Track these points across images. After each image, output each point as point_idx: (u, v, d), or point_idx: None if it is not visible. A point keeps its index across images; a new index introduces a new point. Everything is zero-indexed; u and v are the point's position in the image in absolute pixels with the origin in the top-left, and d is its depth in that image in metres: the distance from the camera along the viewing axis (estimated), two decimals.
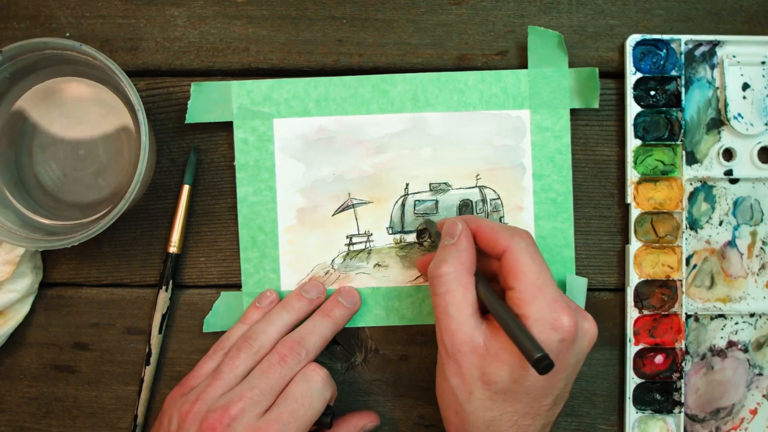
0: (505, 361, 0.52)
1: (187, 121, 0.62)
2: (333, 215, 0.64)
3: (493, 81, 0.63)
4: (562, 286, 0.63)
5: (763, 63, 0.63)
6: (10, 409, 0.65)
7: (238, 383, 0.56)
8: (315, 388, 0.56)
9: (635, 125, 0.63)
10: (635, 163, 0.63)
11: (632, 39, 0.62)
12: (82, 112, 0.61)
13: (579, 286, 0.63)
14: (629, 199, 0.63)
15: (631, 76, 0.63)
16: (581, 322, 0.53)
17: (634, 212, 0.63)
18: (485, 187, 0.64)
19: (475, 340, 0.53)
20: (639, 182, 0.63)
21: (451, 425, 0.56)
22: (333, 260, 0.64)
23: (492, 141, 0.63)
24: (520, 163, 0.64)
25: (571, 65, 0.63)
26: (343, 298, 0.62)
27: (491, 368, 0.52)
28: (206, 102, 0.63)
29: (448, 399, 0.55)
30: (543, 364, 0.48)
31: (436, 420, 0.65)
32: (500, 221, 0.64)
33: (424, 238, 0.64)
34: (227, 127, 0.63)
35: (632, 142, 0.63)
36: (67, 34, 0.64)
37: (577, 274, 0.64)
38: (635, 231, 0.63)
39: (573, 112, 0.63)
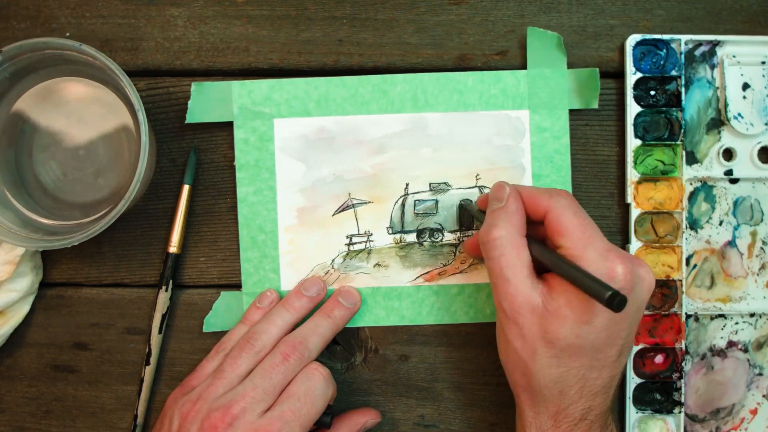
0: (565, 317, 0.52)
1: (187, 121, 0.62)
2: (333, 215, 0.64)
3: (492, 82, 0.63)
4: None
5: (763, 63, 0.63)
6: (10, 409, 0.65)
7: (240, 383, 0.56)
8: (317, 386, 0.56)
9: (635, 125, 0.63)
10: (635, 162, 0.63)
11: (632, 39, 0.63)
12: (82, 112, 0.61)
13: None
14: (629, 199, 0.63)
15: (631, 76, 0.63)
16: (636, 269, 0.52)
17: (634, 212, 0.63)
18: (485, 186, 0.64)
19: (534, 300, 0.53)
20: (639, 182, 0.63)
21: (518, 386, 0.56)
22: (333, 260, 0.64)
23: (491, 141, 0.64)
24: (519, 163, 0.64)
25: (571, 65, 0.64)
26: (343, 298, 0.62)
27: (553, 326, 0.52)
28: (207, 102, 0.63)
29: (513, 361, 0.55)
30: (616, 300, 0.47)
31: (436, 420, 0.65)
32: None
33: (424, 238, 0.64)
34: (227, 127, 0.63)
35: (632, 142, 0.63)
36: (67, 34, 0.64)
37: None
38: (635, 231, 0.63)
39: (573, 112, 0.64)
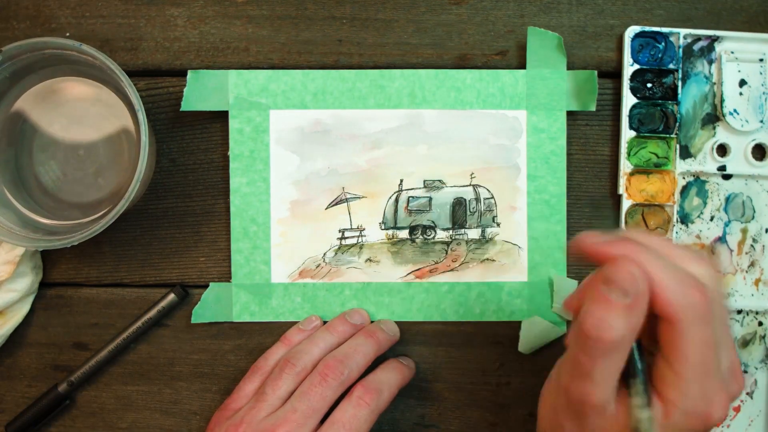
0: None
1: (182, 109, 0.62)
2: (326, 209, 0.64)
3: (490, 80, 0.63)
4: (549, 286, 0.64)
5: (761, 60, 0.63)
6: (9, 409, 0.65)
7: (282, 405, 0.56)
8: (362, 414, 0.56)
9: (630, 117, 0.63)
10: (629, 154, 0.63)
11: (631, 30, 0.63)
12: (82, 112, 0.61)
13: (568, 287, 0.64)
14: (621, 190, 0.63)
15: (628, 67, 0.63)
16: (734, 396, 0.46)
17: (626, 203, 0.63)
18: (479, 186, 0.64)
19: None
20: (632, 173, 0.63)
21: None
22: (325, 254, 0.64)
23: (487, 140, 0.64)
24: (514, 164, 0.64)
25: (571, 65, 0.64)
26: (385, 326, 0.62)
27: None
28: (203, 90, 0.63)
29: None
30: None
31: (436, 420, 0.65)
32: (493, 221, 0.64)
33: (416, 235, 0.64)
34: (227, 126, 0.63)
35: (626, 134, 0.63)
36: (67, 34, 0.64)
37: (572, 275, 0.64)
38: (626, 222, 0.63)
39: (572, 112, 0.64)
